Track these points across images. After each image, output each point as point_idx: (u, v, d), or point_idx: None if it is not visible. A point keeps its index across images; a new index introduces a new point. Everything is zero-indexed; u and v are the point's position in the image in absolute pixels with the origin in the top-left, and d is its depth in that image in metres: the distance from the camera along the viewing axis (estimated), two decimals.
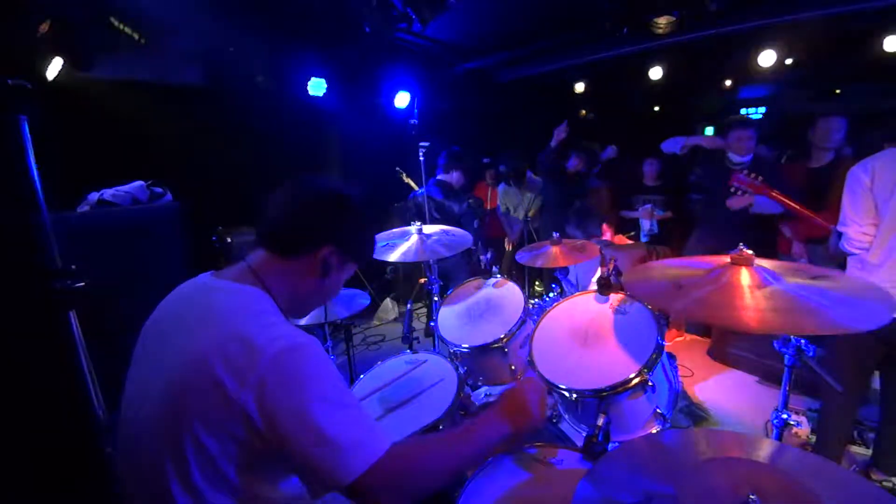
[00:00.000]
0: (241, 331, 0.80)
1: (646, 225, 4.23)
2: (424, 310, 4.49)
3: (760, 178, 2.43)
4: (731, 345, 3.20)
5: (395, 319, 4.64)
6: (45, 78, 2.52)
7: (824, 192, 2.44)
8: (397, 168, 4.42)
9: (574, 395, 1.50)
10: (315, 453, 0.76)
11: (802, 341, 1.21)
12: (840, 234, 1.97)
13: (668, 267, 1.36)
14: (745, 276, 1.14)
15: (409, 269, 4.86)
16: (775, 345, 1.25)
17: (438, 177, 3.68)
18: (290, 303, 0.96)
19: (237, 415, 0.76)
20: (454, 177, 3.68)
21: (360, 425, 0.81)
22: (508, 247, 4.72)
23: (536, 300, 2.20)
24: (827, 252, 2.49)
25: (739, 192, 2.52)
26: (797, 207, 2.35)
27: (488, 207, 4.94)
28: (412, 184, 4.37)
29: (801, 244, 2.90)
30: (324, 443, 0.76)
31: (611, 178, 4.61)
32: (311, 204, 0.96)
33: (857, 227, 1.90)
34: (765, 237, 3.09)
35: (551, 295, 2.35)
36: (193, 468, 0.77)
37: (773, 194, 2.41)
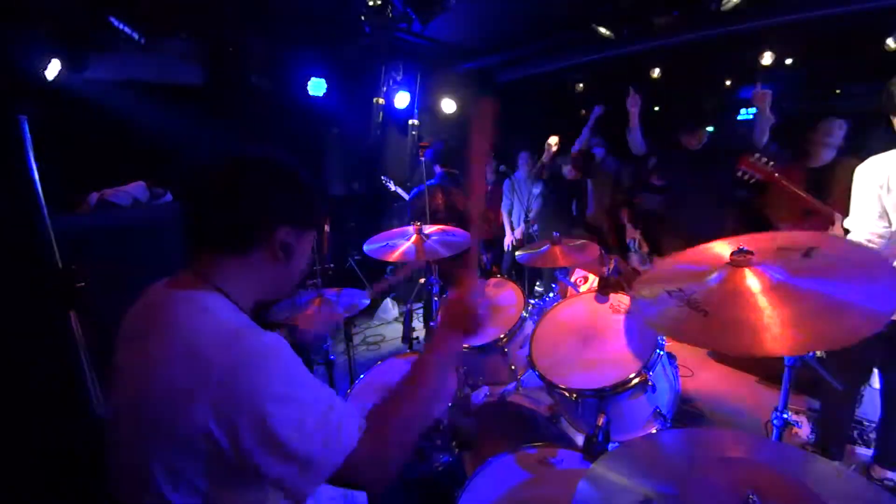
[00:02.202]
0: (190, 344, 0.75)
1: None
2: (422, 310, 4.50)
3: (771, 163, 2.38)
4: None
5: (395, 319, 4.64)
6: (45, 78, 2.52)
7: (824, 190, 2.43)
8: (382, 177, 4.43)
9: (574, 395, 1.50)
10: (285, 461, 0.73)
11: None
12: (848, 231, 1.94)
13: (670, 272, 1.33)
14: (751, 280, 1.08)
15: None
16: None
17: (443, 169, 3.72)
18: (256, 296, 0.91)
19: (198, 432, 0.72)
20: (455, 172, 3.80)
21: (327, 420, 0.76)
22: (509, 238, 4.70)
23: (536, 300, 2.19)
24: None
25: (746, 177, 2.45)
26: (806, 197, 2.32)
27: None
28: (400, 191, 4.41)
29: None
30: (292, 450, 0.73)
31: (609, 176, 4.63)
32: (250, 187, 0.86)
33: (866, 228, 1.83)
34: (736, 223, 3.17)
35: (551, 295, 2.35)
36: (163, 484, 0.75)
37: (783, 182, 2.37)
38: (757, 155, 2.39)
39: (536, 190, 4.53)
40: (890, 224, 1.81)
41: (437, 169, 4.01)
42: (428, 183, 3.41)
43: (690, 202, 3.35)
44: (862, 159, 1.90)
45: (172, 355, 0.76)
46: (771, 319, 0.97)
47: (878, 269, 1.03)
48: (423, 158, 3.24)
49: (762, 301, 1.02)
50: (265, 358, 0.75)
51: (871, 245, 1.82)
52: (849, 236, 1.92)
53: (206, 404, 0.72)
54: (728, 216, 3.26)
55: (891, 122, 1.86)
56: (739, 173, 2.45)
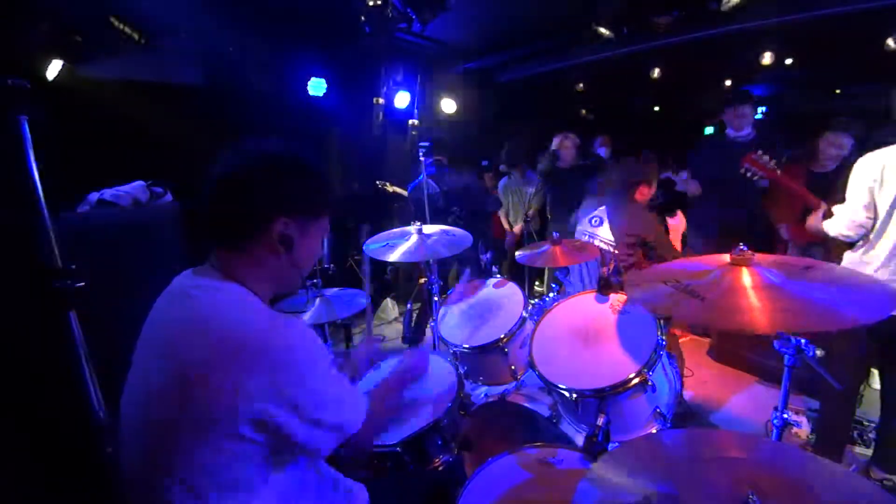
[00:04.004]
0: (229, 331, 0.78)
1: None
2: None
3: (773, 161, 2.40)
4: (731, 345, 3.20)
5: (395, 319, 4.64)
6: (45, 78, 2.52)
7: (826, 196, 2.43)
8: (378, 182, 4.39)
9: (574, 395, 1.50)
10: (328, 431, 0.85)
11: (802, 341, 1.21)
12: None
13: (669, 271, 1.35)
14: (747, 277, 1.13)
15: (409, 269, 4.86)
16: (775, 345, 1.25)
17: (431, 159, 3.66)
18: (268, 287, 0.93)
19: (239, 415, 0.75)
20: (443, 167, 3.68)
21: (352, 394, 0.93)
22: (508, 243, 4.69)
23: (536, 300, 2.19)
24: (825, 255, 2.50)
25: (749, 175, 2.47)
26: (809, 197, 2.33)
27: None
28: (398, 190, 4.37)
29: (799, 247, 2.90)
30: (330, 413, 0.85)
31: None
32: (237, 182, 0.86)
33: (854, 214, 1.93)
34: (766, 229, 3.10)
35: (551, 295, 2.35)
36: (196, 476, 0.76)
37: (785, 180, 2.39)
38: (759, 152, 2.40)
39: (530, 189, 4.53)
40: (875, 217, 1.85)
41: (426, 160, 3.97)
42: (422, 176, 3.43)
43: (728, 199, 3.08)
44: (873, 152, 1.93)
45: (212, 346, 0.78)
46: (760, 304, 1.05)
47: (866, 284, 1.10)
48: (422, 158, 3.24)
49: (755, 293, 1.09)
50: (300, 338, 0.82)
51: (847, 233, 1.94)
52: (832, 220, 2.01)
53: (251, 390, 0.75)
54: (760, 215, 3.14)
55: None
56: (742, 170, 2.46)
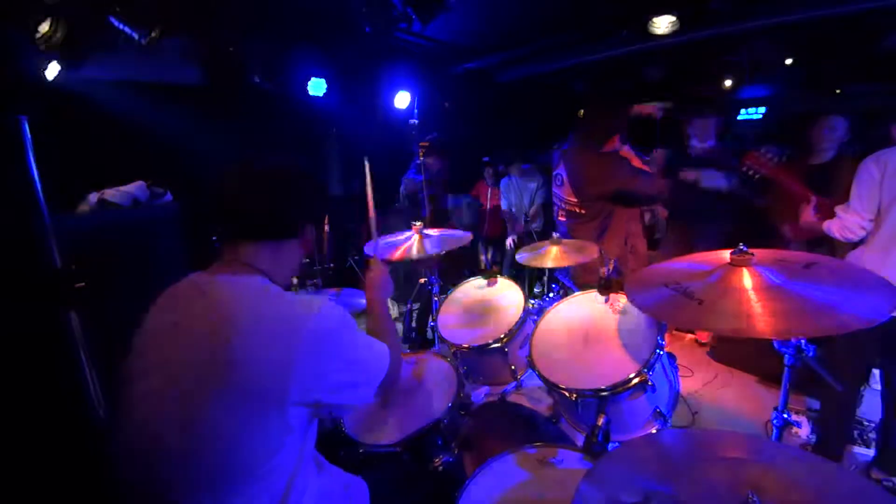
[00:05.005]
0: (266, 315, 0.86)
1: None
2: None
3: (775, 158, 2.41)
4: (731, 345, 3.20)
5: (395, 319, 4.65)
6: (45, 78, 2.52)
7: (824, 188, 2.43)
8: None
9: (574, 395, 1.50)
10: (358, 379, 0.97)
11: (802, 341, 1.21)
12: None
13: (670, 271, 1.35)
14: (748, 279, 1.12)
15: (409, 269, 4.86)
16: (775, 344, 1.25)
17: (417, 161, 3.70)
18: (281, 278, 1.05)
19: (283, 391, 0.81)
20: (433, 163, 3.77)
21: (378, 348, 1.05)
22: (510, 244, 4.69)
23: (536, 300, 2.19)
24: (829, 255, 2.50)
25: (751, 172, 2.47)
26: (803, 190, 2.32)
27: (487, 207, 4.95)
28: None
29: (801, 243, 2.90)
30: (365, 372, 0.99)
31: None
32: (291, 190, 1.02)
33: (857, 217, 1.91)
34: (738, 227, 3.14)
35: (551, 295, 2.35)
36: (205, 469, 0.79)
37: (786, 177, 2.39)
38: (763, 149, 2.40)
39: (533, 185, 4.54)
40: (877, 218, 1.85)
41: (435, 163, 3.98)
42: (409, 173, 3.49)
43: (692, 202, 3.26)
44: (861, 159, 1.92)
45: (250, 330, 0.83)
46: (760, 307, 1.03)
47: (870, 284, 1.08)
48: (422, 158, 3.25)
49: (755, 295, 1.07)
50: (334, 314, 0.92)
51: (849, 235, 1.94)
52: (835, 220, 2.00)
53: (298, 376, 0.82)
54: (729, 218, 3.23)
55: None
56: (744, 168, 2.46)
